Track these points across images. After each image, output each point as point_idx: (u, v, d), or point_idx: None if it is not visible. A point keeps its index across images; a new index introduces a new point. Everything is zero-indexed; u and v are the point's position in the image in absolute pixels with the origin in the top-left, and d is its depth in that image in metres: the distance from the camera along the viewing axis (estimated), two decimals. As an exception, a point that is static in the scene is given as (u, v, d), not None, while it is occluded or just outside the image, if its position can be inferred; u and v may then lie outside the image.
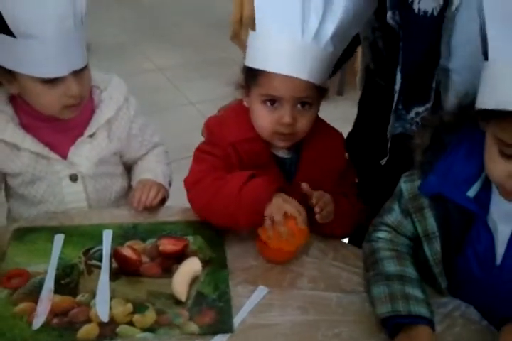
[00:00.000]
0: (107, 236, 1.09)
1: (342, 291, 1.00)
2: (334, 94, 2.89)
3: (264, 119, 1.06)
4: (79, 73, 1.06)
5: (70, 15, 1.00)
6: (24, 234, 1.10)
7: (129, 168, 1.30)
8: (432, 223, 0.93)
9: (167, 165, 1.30)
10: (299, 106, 1.03)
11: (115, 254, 1.04)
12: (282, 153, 1.14)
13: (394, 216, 1.00)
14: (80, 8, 1.02)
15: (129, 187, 1.27)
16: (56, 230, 1.11)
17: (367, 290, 0.97)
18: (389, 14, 1.05)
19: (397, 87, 1.10)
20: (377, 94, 1.23)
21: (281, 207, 1.02)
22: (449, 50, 1.00)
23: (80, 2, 1.02)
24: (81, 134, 1.15)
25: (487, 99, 0.77)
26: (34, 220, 1.15)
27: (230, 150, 1.10)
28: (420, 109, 1.09)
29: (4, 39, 0.98)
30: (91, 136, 1.16)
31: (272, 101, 1.03)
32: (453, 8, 0.96)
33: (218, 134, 1.11)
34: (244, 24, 2.77)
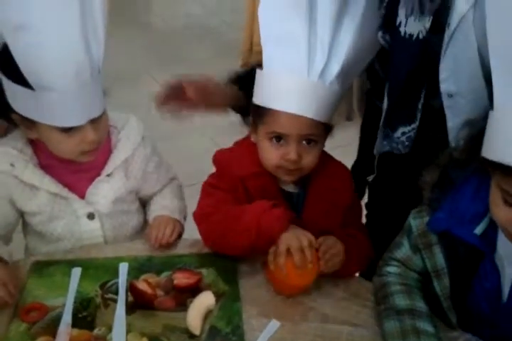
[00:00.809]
0: (123, 269, 1.12)
1: (352, 325, 1.01)
2: (343, 120, 2.91)
3: (270, 155, 1.08)
4: (96, 120, 1.08)
5: (87, 68, 1.02)
6: (42, 267, 1.13)
7: (144, 203, 1.33)
8: (440, 259, 0.95)
9: (182, 199, 1.32)
10: (304, 142, 1.06)
11: (131, 288, 1.06)
12: (290, 188, 1.16)
13: (403, 251, 1.02)
14: (97, 60, 1.05)
15: (145, 222, 1.30)
16: (73, 263, 1.13)
17: (378, 323, 0.99)
18: (379, 33, 1.09)
19: (384, 106, 1.13)
20: (377, 116, 1.25)
21: (289, 240, 1.02)
22: (449, 73, 1.01)
23: (97, 54, 1.04)
24: (98, 174, 1.18)
25: (491, 151, 0.78)
26: (51, 254, 1.18)
27: (238, 184, 1.12)
28: (406, 129, 1.12)
29: (23, 91, 1.00)
30: (108, 175, 1.19)
31: (278, 138, 1.06)
32: (450, 30, 0.97)
33: (226, 168, 1.14)
34: (254, 52, 2.83)
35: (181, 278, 1.08)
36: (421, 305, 0.97)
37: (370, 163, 1.30)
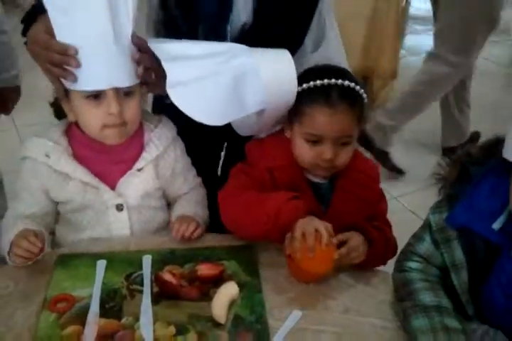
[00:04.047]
0: (147, 261, 1.15)
1: (374, 317, 1.04)
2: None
3: (306, 153, 1.12)
4: (124, 97, 1.10)
5: (109, 29, 1.02)
6: (68, 260, 1.16)
7: (169, 204, 1.35)
8: (459, 254, 0.97)
9: (205, 208, 1.34)
10: (339, 143, 1.10)
11: (156, 279, 1.09)
12: (317, 179, 1.19)
13: (426, 246, 1.04)
14: (125, 27, 1.04)
15: (169, 222, 1.31)
16: (97, 256, 1.16)
17: (401, 319, 1.01)
18: None
19: None
20: None
21: (305, 225, 1.05)
22: None
23: (124, 20, 1.04)
24: (130, 168, 1.21)
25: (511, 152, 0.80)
26: (76, 246, 1.21)
27: (265, 174, 1.16)
28: None
29: None
30: (139, 170, 1.22)
31: (315, 140, 1.09)
32: None
33: (256, 158, 1.18)
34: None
35: (205, 269, 1.11)
36: (446, 301, 0.98)
37: None
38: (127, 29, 1.05)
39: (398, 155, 2.90)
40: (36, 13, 1.07)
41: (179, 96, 1.06)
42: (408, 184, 2.64)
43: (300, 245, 1.04)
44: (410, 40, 4.54)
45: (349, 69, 1.20)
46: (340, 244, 1.07)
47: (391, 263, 1.16)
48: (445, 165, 0.99)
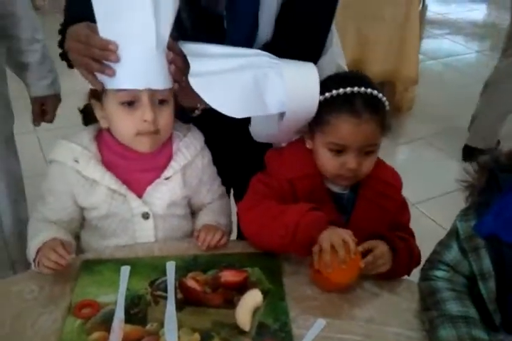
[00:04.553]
0: (171, 267, 1.15)
1: (399, 326, 1.03)
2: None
3: (330, 164, 1.11)
4: (158, 105, 1.10)
5: (151, 31, 1.01)
6: (92, 265, 1.16)
7: (192, 212, 1.35)
8: (487, 263, 0.96)
9: (229, 217, 1.35)
10: (363, 152, 1.09)
11: (180, 285, 1.09)
12: (338, 189, 1.18)
13: (453, 254, 1.03)
14: (165, 30, 1.04)
15: (193, 231, 1.31)
16: (121, 262, 1.17)
17: (426, 328, 1.00)
18: None
19: None
20: None
21: (332, 235, 1.05)
22: None
23: (165, 27, 1.03)
24: (158, 176, 1.21)
25: None
26: (100, 252, 1.21)
27: (285, 184, 1.15)
28: None
29: None
30: (167, 178, 1.22)
31: (339, 150, 1.09)
32: None
33: (276, 168, 1.17)
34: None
35: (228, 276, 1.11)
36: (473, 311, 0.97)
37: None
38: (166, 32, 1.05)
39: (414, 159, 2.90)
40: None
41: (200, 85, 1.07)
42: (426, 190, 2.62)
43: (330, 258, 1.03)
44: (427, 44, 4.53)
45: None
46: (365, 253, 1.07)
47: (415, 272, 1.16)
48: (472, 172, 0.98)
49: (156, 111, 1.10)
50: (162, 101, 1.11)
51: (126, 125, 1.12)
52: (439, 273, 1.04)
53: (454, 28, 5.02)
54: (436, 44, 4.67)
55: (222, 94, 1.08)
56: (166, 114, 1.13)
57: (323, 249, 1.04)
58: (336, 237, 1.04)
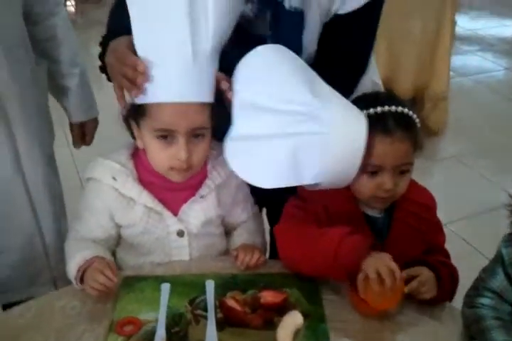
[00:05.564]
0: (210, 286, 1.15)
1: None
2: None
3: (365, 186, 1.11)
4: (194, 138, 1.11)
5: (187, 43, 1.02)
6: (132, 282, 1.17)
7: (227, 232, 1.36)
8: None
9: (263, 237, 1.35)
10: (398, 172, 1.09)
11: (221, 305, 1.10)
12: (373, 212, 1.18)
13: (499, 281, 1.01)
14: (204, 42, 1.04)
15: (227, 250, 1.33)
16: (161, 279, 1.17)
17: None
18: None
19: None
20: None
21: (378, 263, 1.04)
22: None
23: (203, 35, 1.03)
24: (193, 194, 1.22)
25: None
26: (140, 269, 1.22)
27: (320, 209, 1.15)
28: None
29: None
30: (202, 197, 1.23)
31: (374, 171, 1.09)
32: None
33: (310, 193, 1.16)
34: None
35: (268, 297, 1.11)
36: None
37: None
38: (206, 44, 1.05)
39: (445, 178, 2.87)
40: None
41: (234, 152, 1.10)
42: (458, 209, 2.58)
43: (377, 286, 1.03)
44: (456, 60, 4.50)
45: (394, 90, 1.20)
46: (409, 278, 1.06)
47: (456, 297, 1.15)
48: None
49: (191, 147, 1.11)
50: (198, 135, 1.12)
51: (159, 158, 1.14)
52: (484, 301, 1.03)
53: (484, 44, 4.98)
54: (466, 60, 4.63)
55: (252, 163, 1.09)
56: (201, 149, 1.14)
57: (370, 278, 1.04)
58: (382, 265, 1.03)
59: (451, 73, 3.54)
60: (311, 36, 1.21)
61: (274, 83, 1.09)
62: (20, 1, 1.32)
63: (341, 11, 1.17)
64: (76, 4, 5.94)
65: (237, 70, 1.12)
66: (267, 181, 1.08)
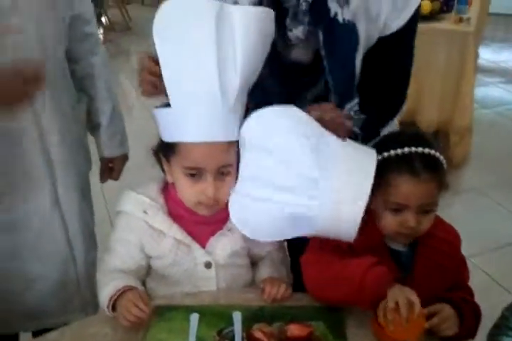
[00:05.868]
0: (237, 318, 1.18)
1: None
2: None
3: (389, 223, 1.14)
4: (221, 176, 1.17)
5: (215, 84, 1.07)
6: (163, 312, 1.21)
7: (252, 263, 1.39)
8: None
9: (288, 267, 1.39)
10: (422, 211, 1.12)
11: (248, 337, 1.13)
12: (397, 246, 1.20)
13: None
14: (232, 82, 1.09)
15: (253, 280, 1.36)
16: (190, 309, 1.21)
17: None
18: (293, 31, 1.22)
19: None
20: None
21: (397, 295, 1.06)
22: None
23: (231, 75, 1.09)
24: (220, 227, 1.27)
25: None
26: (170, 299, 1.26)
27: (344, 244, 1.18)
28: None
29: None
30: (229, 230, 1.27)
31: (399, 208, 1.12)
32: None
33: None
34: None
35: (294, 330, 1.14)
36: None
37: None
38: (234, 83, 1.10)
39: (468, 210, 2.86)
40: None
41: (234, 204, 1.18)
42: (480, 242, 2.56)
43: (393, 316, 1.05)
44: (479, 92, 4.52)
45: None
46: (430, 315, 1.08)
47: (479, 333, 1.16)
48: None
49: (218, 184, 1.17)
50: (224, 173, 1.18)
51: (188, 193, 1.20)
52: (506, 340, 1.05)
53: (507, 76, 5.01)
54: (488, 92, 4.66)
55: (252, 219, 1.18)
56: (227, 185, 1.20)
57: (388, 307, 1.07)
58: (401, 297, 1.06)
59: (474, 105, 3.57)
60: (360, 53, 1.25)
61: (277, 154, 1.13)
62: (66, 37, 1.39)
63: (387, 31, 1.22)
64: (104, 32, 6.13)
65: (242, 133, 1.17)
66: (264, 236, 1.21)
